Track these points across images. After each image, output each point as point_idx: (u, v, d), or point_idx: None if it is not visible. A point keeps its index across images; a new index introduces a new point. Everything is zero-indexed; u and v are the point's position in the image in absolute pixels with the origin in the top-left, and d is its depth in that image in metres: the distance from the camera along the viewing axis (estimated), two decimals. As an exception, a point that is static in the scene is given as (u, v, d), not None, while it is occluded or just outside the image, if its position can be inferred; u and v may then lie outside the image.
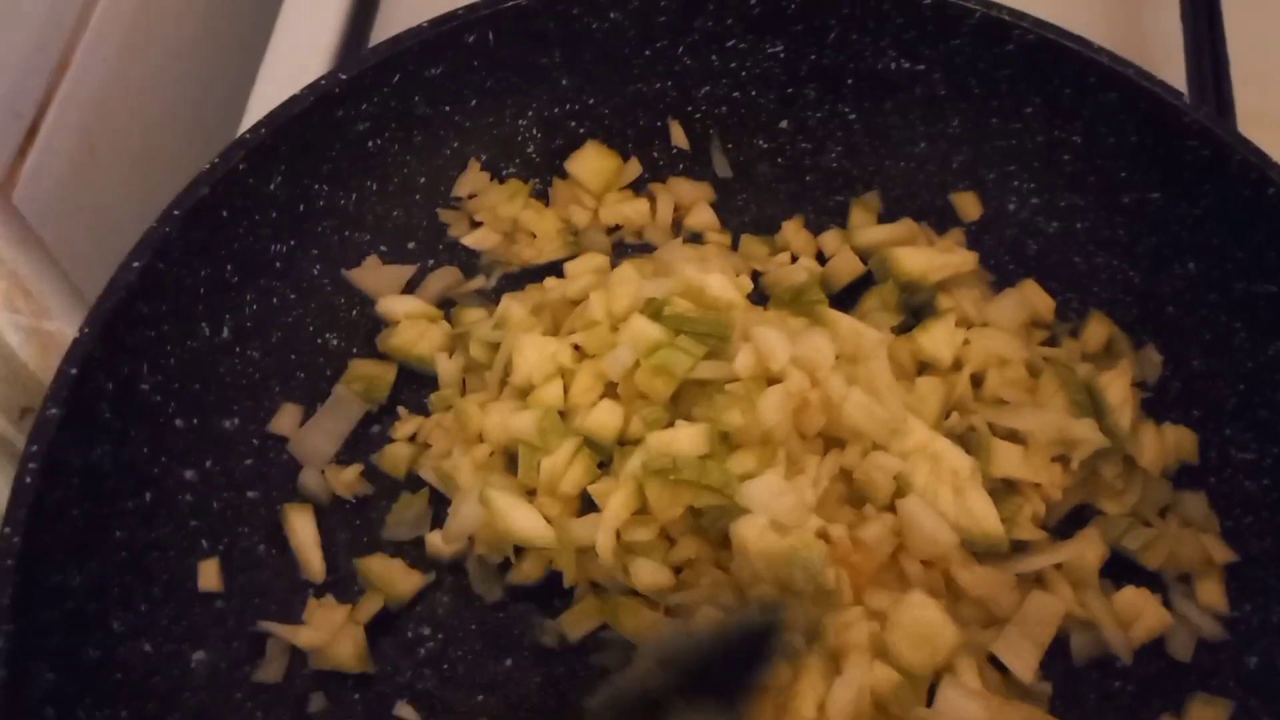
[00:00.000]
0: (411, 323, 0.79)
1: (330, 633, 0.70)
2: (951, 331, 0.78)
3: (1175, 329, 0.80)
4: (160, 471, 0.70)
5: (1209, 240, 0.77)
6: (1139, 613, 0.72)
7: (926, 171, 0.86)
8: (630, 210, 0.86)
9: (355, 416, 0.77)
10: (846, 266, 0.84)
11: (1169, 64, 0.90)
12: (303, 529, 0.74)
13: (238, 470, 0.74)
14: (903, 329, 0.80)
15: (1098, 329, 0.81)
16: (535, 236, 0.85)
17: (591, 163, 0.86)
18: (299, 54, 0.94)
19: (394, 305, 0.79)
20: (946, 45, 0.80)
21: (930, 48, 0.81)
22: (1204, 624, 0.73)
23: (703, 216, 0.86)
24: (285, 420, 0.76)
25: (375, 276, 0.80)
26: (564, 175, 0.86)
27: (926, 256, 0.82)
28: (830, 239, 0.85)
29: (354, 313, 0.80)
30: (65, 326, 0.81)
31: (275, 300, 0.76)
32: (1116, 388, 0.77)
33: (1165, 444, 0.77)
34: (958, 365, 0.78)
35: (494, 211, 0.84)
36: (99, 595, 0.65)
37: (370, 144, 0.78)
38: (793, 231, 0.86)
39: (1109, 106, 0.77)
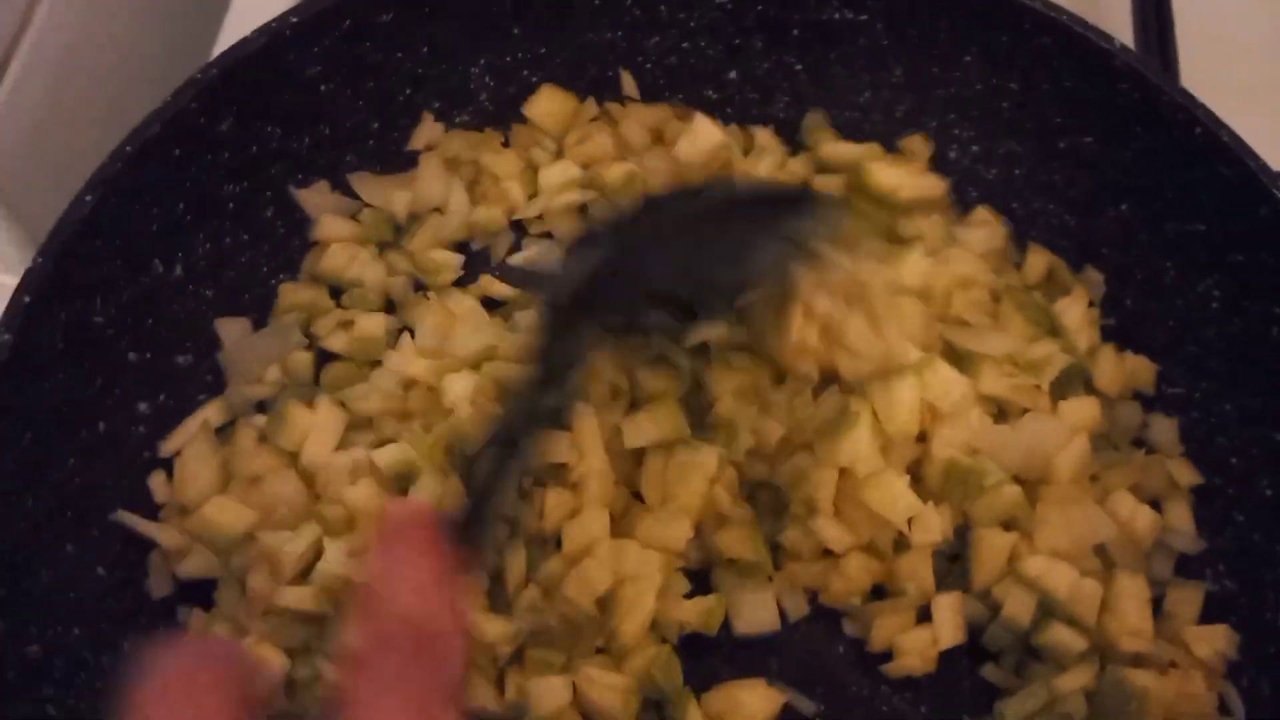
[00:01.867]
0: (342, 246, 0.80)
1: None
2: (920, 261, 0.80)
3: (1110, 270, 0.82)
4: (113, 403, 0.71)
5: (1141, 182, 0.79)
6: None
7: (872, 121, 0.88)
8: (594, 148, 0.87)
9: (291, 342, 0.78)
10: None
11: (1117, 28, 0.91)
12: None
13: (191, 405, 0.76)
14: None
15: (1036, 260, 0.83)
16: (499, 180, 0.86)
17: (548, 105, 0.87)
18: (264, 4, 0.95)
19: (331, 227, 0.81)
20: (887, -6, 0.82)
21: (872, -3, 0.83)
22: (1178, 541, 0.75)
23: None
24: (232, 329, 0.77)
25: (320, 200, 0.81)
26: (520, 121, 0.88)
27: (900, 173, 0.84)
28: (799, 164, 0.87)
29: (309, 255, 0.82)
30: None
31: (228, 241, 0.78)
32: (1073, 312, 0.79)
33: (1124, 369, 0.79)
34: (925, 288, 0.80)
35: (456, 158, 0.85)
36: (52, 520, 0.66)
37: (322, 88, 0.79)
38: (766, 137, 0.88)
39: (1043, 52, 0.79)
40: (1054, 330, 0.79)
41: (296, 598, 0.66)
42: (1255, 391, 0.75)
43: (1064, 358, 0.77)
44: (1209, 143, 0.74)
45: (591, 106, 0.88)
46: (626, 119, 0.87)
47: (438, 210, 0.85)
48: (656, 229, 0.61)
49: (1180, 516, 0.76)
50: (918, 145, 0.87)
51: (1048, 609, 0.69)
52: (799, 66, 0.88)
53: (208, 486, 0.71)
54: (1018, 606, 0.70)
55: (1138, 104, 0.77)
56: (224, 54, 0.74)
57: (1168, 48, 0.91)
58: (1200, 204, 0.77)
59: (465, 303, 0.79)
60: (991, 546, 0.70)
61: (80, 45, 0.96)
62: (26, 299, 0.65)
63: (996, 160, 0.85)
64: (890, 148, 0.88)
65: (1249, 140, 0.73)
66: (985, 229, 0.84)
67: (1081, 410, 0.76)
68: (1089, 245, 0.83)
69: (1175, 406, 0.79)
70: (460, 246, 0.85)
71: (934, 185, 0.85)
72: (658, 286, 0.61)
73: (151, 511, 0.72)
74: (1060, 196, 0.83)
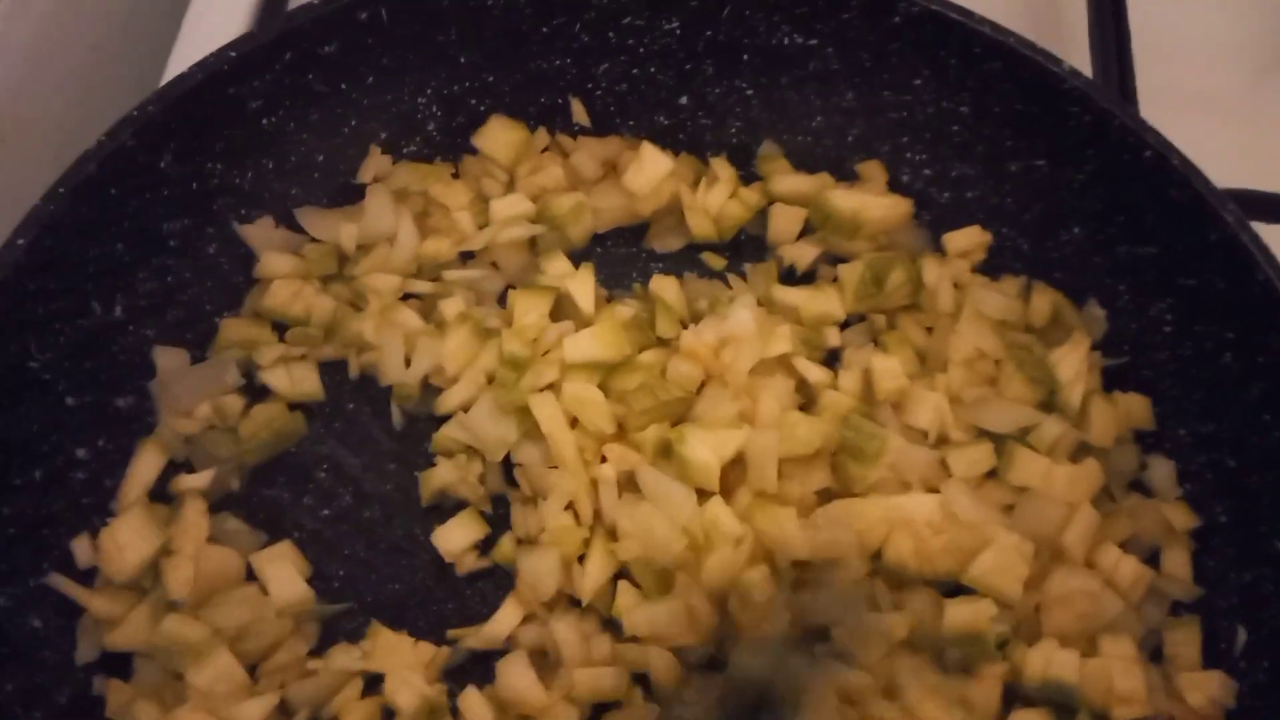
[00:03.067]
0: (285, 283, 0.79)
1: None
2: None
3: (1063, 294, 0.81)
4: (50, 449, 0.70)
5: (1093, 205, 0.79)
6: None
7: (824, 146, 0.88)
8: (546, 178, 0.86)
9: (228, 380, 0.76)
10: (788, 220, 0.85)
11: (1076, 46, 0.91)
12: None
13: (133, 449, 0.74)
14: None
15: (1040, 301, 0.81)
16: (449, 211, 0.85)
17: (498, 136, 0.86)
18: (214, 36, 0.93)
19: (273, 263, 0.80)
20: (837, 19, 0.82)
21: (822, 22, 0.82)
22: (1174, 589, 0.74)
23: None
24: (169, 358, 0.76)
25: (265, 235, 0.80)
26: (469, 153, 0.87)
27: (858, 197, 0.84)
28: (752, 193, 0.86)
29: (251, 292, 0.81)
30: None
31: (170, 279, 0.77)
32: (1069, 363, 0.77)
33: (1117, 414, 0.77)
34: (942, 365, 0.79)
35: (405, 190, 0.84)
36: (-15, 571, 0.65)
37: (265, 121, 0.78)
38: (721, 165, 0.87)
39: (993, 76, 0.79)
40: (1053, 384, 0.77)
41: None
42: (1208, 417, 0.74)
43: (1056, 429, 0.75)
44: (1159, 166, 0.74)
45: (542, 136, 0.87)
46: (578, 151, 0.86)
47: (386, 242, 0.83)
48: None
49: (1178, 563, 0.74)
50: (874, 171, 0.86)
51: (1060, 695, 0.68)
52: (750, 92, 0.87)
53: (139, 563, 0.70)
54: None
55: (1088, 127, 0.77)
56: (162, 89, 0.72)
57: (1125, 64, 0.91)
58: (1151, 227, 0.76)
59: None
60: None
61: (27, 79, 0.94)
62: (-44, 346, 0.64)
63: (948, 184, 0.85)
64: (843, 172, 0.87)
65: (1206, 152, 0.73)
66: (1004, 299, 0.81)
67: (1082, 478, 0.74)
68: (1040, 269, 0.82)
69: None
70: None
71: (897, 204, 0.85)
72: None
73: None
74: (1013, 219, 0.83)
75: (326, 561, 0.75)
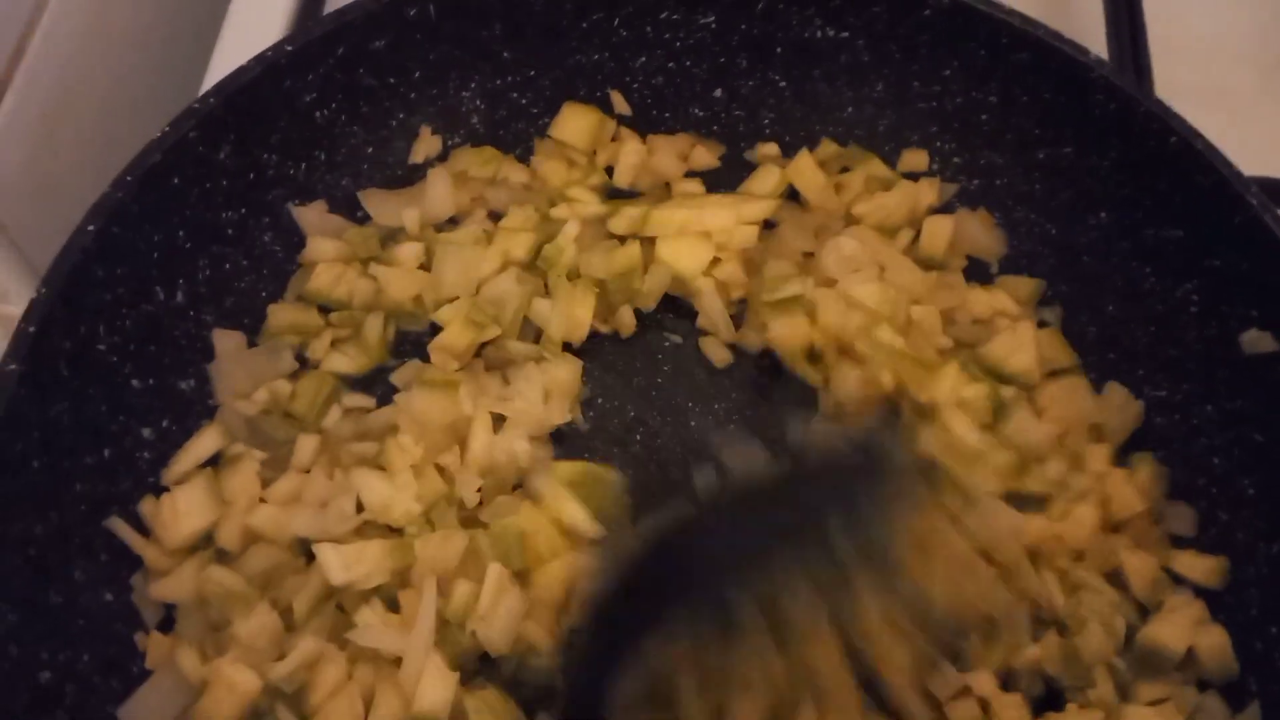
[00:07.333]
0: (328, 267, 0.81)
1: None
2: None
3: (1090, 277, 0.84)
4: (118, 429, 0.72)
5: (1119, 191, 0.82)
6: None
7: (855, 136, 0.90)
8: (629, 148, 0.88)
9: (283, 364, 0.78)
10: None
11: (1091, 38, 0.94)
12: None
13: (193, 431, 0.76)
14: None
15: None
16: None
17: (574, 123, 0.88)
18: (255, 34, 0.96)
19: (317, 248, 0.82)
20: (868, 12, 0.84)
21: (853, 15, 0.85)
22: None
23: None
24: (227, 341, 0.78)
25: (317, 220, 0.82)
26: (510, 144, 0.89)
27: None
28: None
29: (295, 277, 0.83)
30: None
31: (228, 266, 0.79)
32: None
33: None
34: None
35: (465, 174, 0.87)
36: (61, 544, 0.67)
37: (317, 114, 0.81)
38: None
39: (1021, 66, 0.82)
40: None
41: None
42: (1234, 393, 0.77)
43: None
44: (1184, 151, 0.76)
45: (610, 125, 0.89)
46: (656, 151, 0.89)
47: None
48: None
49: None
50: (918, 160, 0.88)
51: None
52: (783, 84, 0.90)
53: (194, 532, 0.72)
54: None
55: (1114, 115, 0.79)
56: (222, 82, 0.75)
57: (1140, 55, 0.93)
58: (1177, 211, 0.79)
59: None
60: None
61: (74, 76, 0.97)
62: (31, 329, 0.66)
63: (978, 171, 0.88)
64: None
65: (1220, 145, 0.76)
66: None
67: None
68: (1068, 254, 0.85)
69: (1158, 408, 0.81)
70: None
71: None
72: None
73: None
74: (1041, 206, 0.86)
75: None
